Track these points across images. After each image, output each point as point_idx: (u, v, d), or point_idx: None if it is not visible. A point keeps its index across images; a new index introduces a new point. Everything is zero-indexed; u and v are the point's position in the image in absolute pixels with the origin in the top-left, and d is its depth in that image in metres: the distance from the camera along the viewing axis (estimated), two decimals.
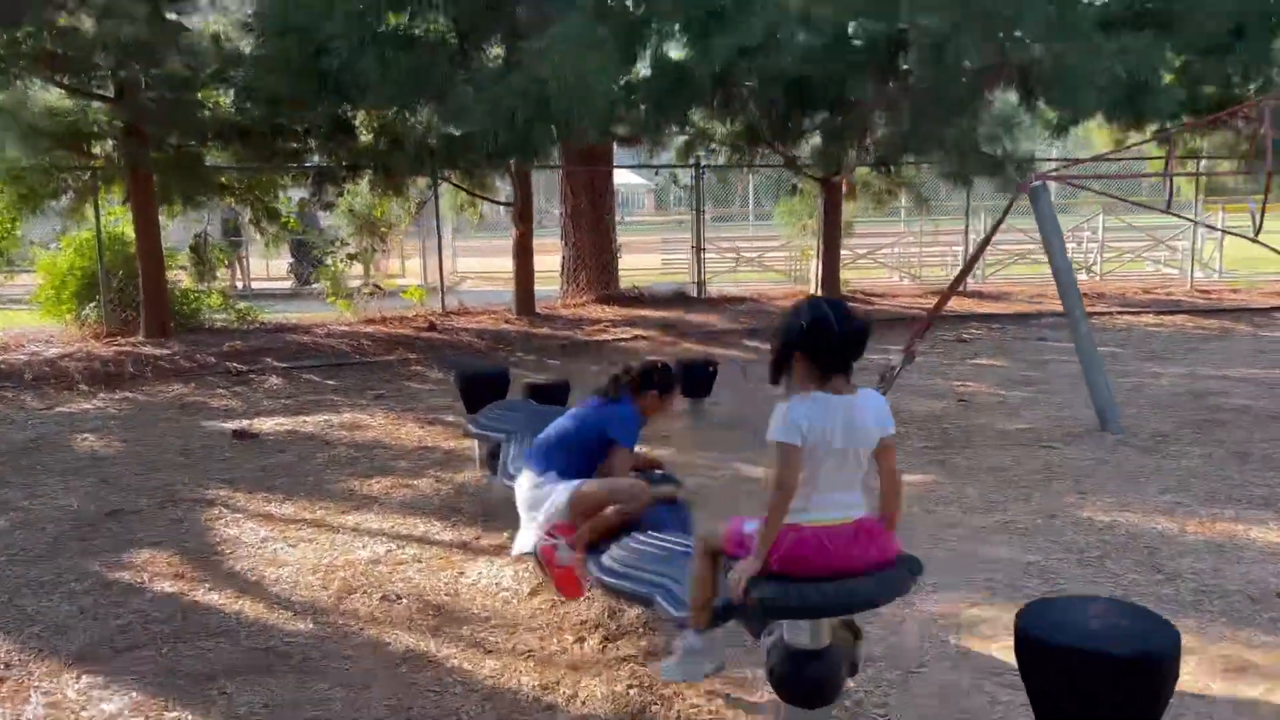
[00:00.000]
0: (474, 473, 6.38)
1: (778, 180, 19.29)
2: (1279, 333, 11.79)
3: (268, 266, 23.54)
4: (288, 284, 21.17)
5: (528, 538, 4.29)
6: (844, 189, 13.48)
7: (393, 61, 8.43)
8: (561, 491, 4.20)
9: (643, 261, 20.05)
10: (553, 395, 6.43)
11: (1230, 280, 16.63)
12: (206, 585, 4.63)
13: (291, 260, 19.54)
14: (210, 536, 5.32)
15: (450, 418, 8.02)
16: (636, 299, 13.60)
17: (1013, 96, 11.60)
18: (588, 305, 13.18)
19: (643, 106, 11.33)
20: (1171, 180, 7.29)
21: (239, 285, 18.53)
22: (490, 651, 3.93)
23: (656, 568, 3.27)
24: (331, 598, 4.47)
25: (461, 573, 4.76)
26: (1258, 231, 7.10)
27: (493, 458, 5.48)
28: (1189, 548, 4.60)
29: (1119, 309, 13.57)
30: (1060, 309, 13.38)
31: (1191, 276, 16.08)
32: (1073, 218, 20.24)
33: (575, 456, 4.32)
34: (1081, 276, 18.92)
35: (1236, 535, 4.78)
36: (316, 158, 11.61)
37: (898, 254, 20.38)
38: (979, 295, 14.79)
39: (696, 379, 7.65)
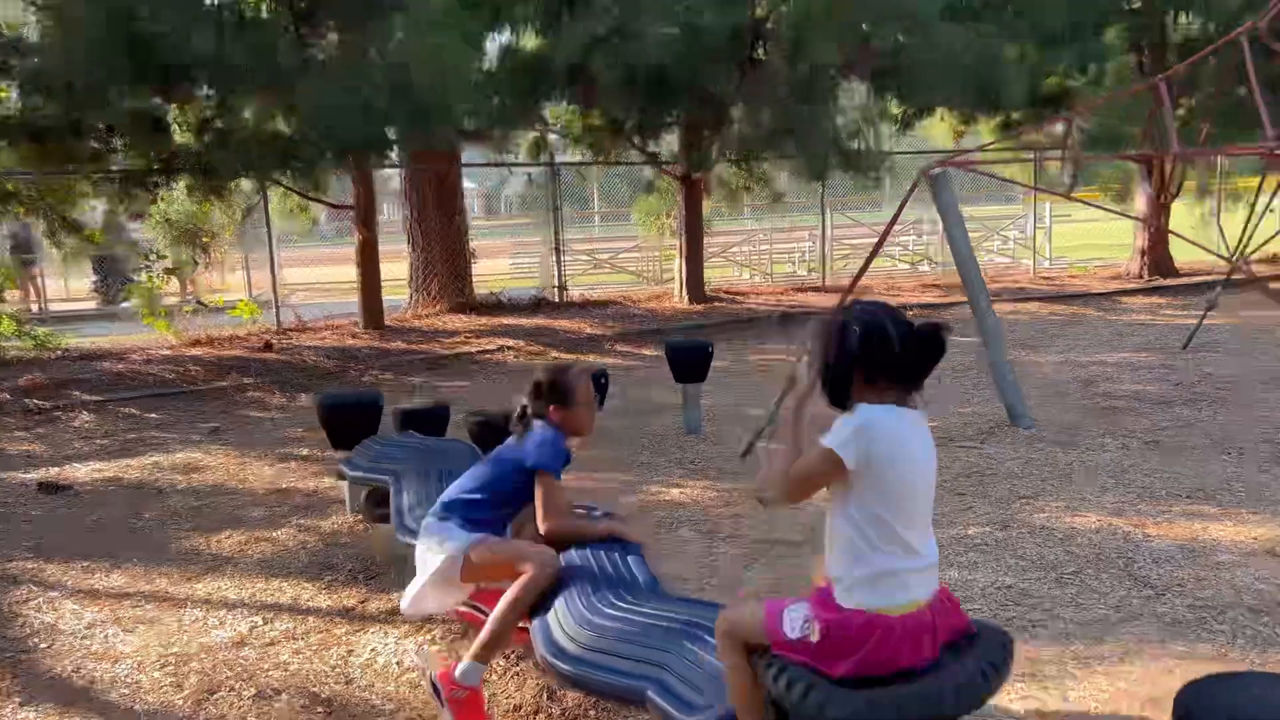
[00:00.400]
0: (344, 518, 5.48)
1: (628, 178, 18.79)
2: (1128, 316, 12.15)
3: (67, 285, 21.25)
4: (92, 304, 19.12)
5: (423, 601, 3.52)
6: (704, 186, 13.07)
7: (229, 43, 7.30)
8: (453, 546, 3.42)
9: (484, 267, 19.11)
10: (431, 423, 5.60)
11: (1063, 268, 17.25)
12: (16, 699, 3.59)
13: (95, 277, 17.58)
14: (17, 628, 4.23)
15: (305, 451, 7.02)
16: (494, 306, 12.75)
17: (865, 89, 11.48)
18: (442, 315, 12.23)
19: (495, 98, 10.55)
20: (1075, 164, 7.15)
21: (34, 308, 16.47)
22: None
23: (638, 649, 2.57)
24: (189, 700, 3.53)
25: (350, 650, 3.90)
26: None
27: (377, 505, 4.63)
28: (1161, 554, 4.27)
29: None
30: (921, 300, 13.57)
31: (1035, 264, 16.58)
32: (914, 211, 20.64)
33: (486, 506, 3.51)
34: (924, 268, 19.41)
35: (1197, 536, 4.50)
36: (124, 159, 10.21)
37: (748, 252, 20.31)
38: (837, 290, 14.70)
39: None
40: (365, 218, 11.17)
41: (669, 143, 13.10)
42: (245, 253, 14.42)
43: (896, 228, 19.87)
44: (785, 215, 19.84)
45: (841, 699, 1.93)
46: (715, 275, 16.92)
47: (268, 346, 10.44)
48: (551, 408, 3.49)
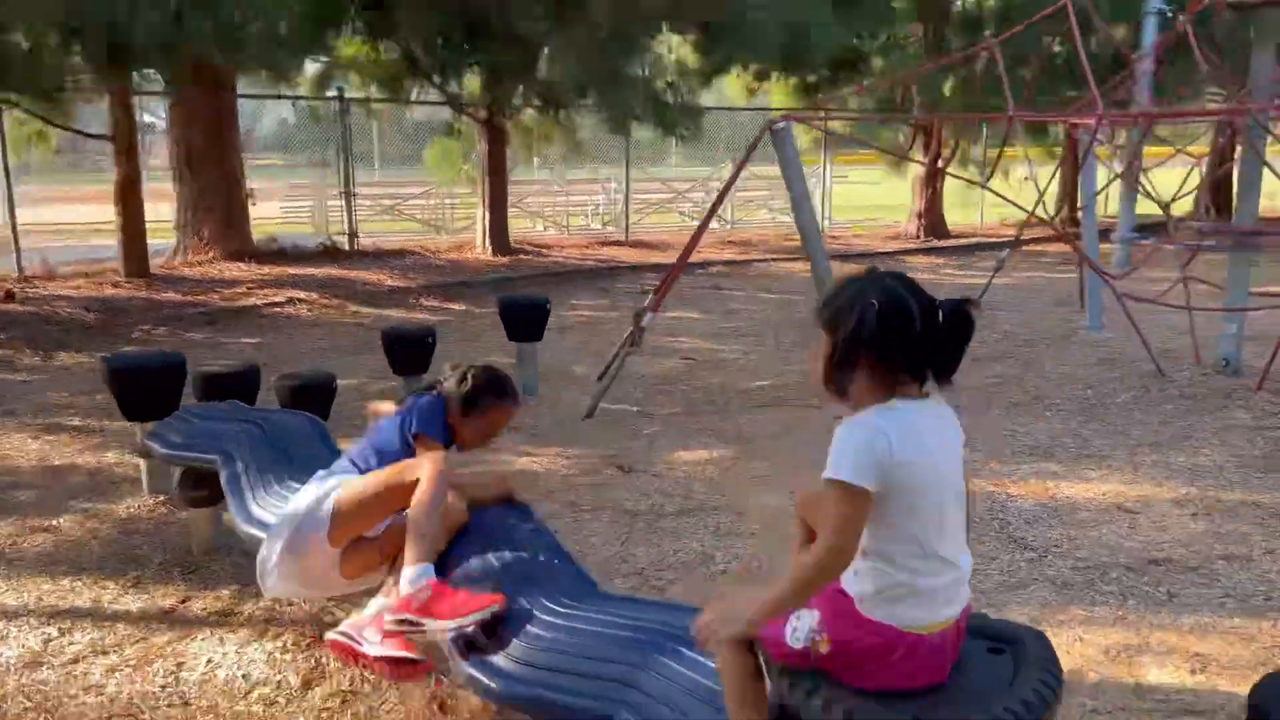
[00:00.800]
0: (142, 500, 4.71)
1: (413, 122, 17.75)
2: (915, 275, 12.69)
3: None
4: None
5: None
6: (507, 132, 12.49)
7: None
8: (307, 495, 2.99)
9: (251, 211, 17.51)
10: (240, 388, 4.90)
11: (845, 228, 17.98)
12: None
13: None
14: None
15: (77, 420, 6.04)
16: (276, 254, 11.65)
17: (676, 43, 11.32)
18: (217, 263, 11.03)
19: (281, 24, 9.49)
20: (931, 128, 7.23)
21: None
22: None
23: (597, 664, 2.21)
24: None
25: (180, 664, 3.28)
26: (989, 178, 7.26)
27: (194, 486, 3.96)
28: (1029, 515, 4.36)
29: (772, 256, 14.02)
30: (722, 257, 13.67)
31: (822, 223, 17.12)
32: (707, 168, 20.88)
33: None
34: (714, 225, 19.70)
35: (1053, 494, 4.64)
36: None
37: (542, 203, 19.81)
38: (641, 244, 14.60)
39: (411, 352, 6.38)
40: (127, 150, 9.83)
41: (470, 84, 12.40)
42: None
43: (686, 185, 19.90)
44: (581, 167, 19.51)
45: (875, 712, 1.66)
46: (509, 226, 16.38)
47: (9, 296, 9.01)
48: (461, 408, 3.08)
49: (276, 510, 3.21)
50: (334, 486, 2.98)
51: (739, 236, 16.20)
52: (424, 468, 2.84)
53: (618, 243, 14.48)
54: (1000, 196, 7.18)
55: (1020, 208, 7.34)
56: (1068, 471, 4.95)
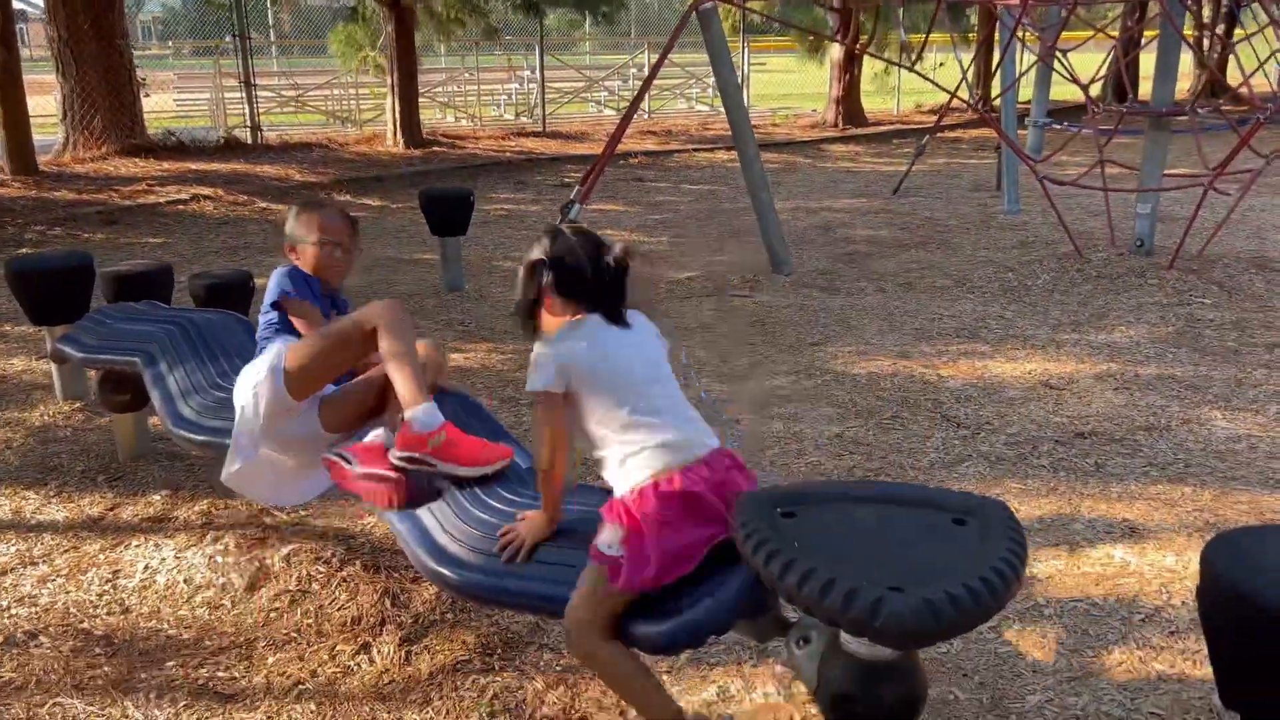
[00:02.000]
0: (56, 407, 4.50)
1: (311, 7, 16.80)
2: (834, 164, 12.77)
3: None
4: None
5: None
6: (415, 16, 11.91)
7: None
8: (258, 366, 2.76)
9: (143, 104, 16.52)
10: (152, 288, 4.67)
11: (764, 116, 17.82)
12: None
13: None
14: None
15: None
16: (175, 149, 11.04)
17: None
18: (110, 159, 10.41)
19: None
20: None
21: None
22: (233, 698, 2.59)
23: (550, 550, 2.19)
24: None
25: (116, 571, 3.19)
26: (915, 62, 7.19)
27: (114, 390, 3.79)
28: (960, 394, 4.47)
29: (692, 146, 13.85)
30: (643, 148, 13.41)
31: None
32: (621, 55, 20.35)
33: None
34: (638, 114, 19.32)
35: (981, 374, 4.75)
36: None
37: (451, 93, 19.11)
38: (557, 135, 14.25)
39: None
40: (3, 37, 9.09)
41: None
42: None
43: (601, 71, 19.48)
44: (492, 54, 18.83)
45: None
46: (426, 118, 15.81)
47: None
48: (286, 246, 3.00)
49: (212, 412, 3.09)
50: (278, 354, 2.73)
51: (658, 126, 15.94)
52: (377, 312, 2.64)
53: (534, 134, 14.11)
54: (927, 79, 7.15)
55: (946, 90, 7.33)
56: (994, 351, 5.08)
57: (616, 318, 2.17)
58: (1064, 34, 8.84)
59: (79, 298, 4.35)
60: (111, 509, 3.58)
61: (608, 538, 2.04)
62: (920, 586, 1.59)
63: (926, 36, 7.94)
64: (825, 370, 4.81)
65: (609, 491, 2.18)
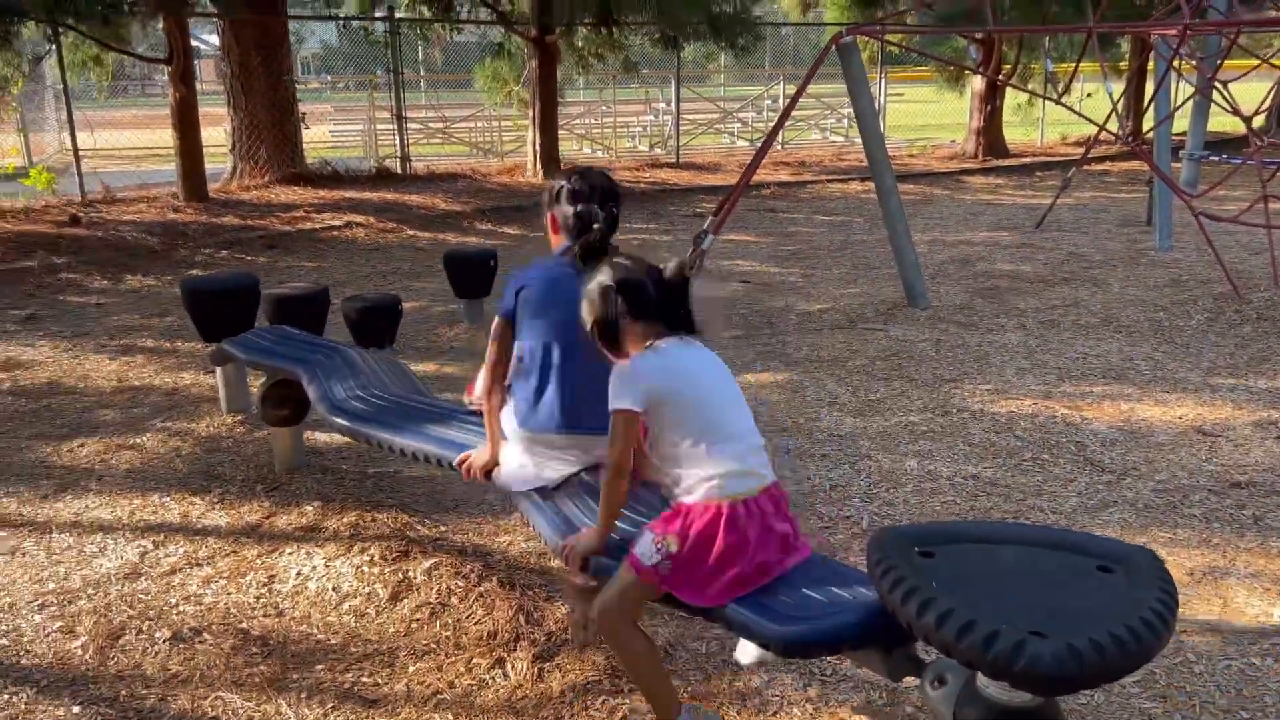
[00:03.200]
0: (220, 419, 4.82)
1: (459, 44, 17.51)
2: (973, 196, 12.47)
3: None
4: None
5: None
6: (556, 50, 12.28)
7: None
8: None
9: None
10: (309, 309, 4.98)
11: (900, 147, 17.56)
12: None
13: None
14: None
15: (150, 342, 6.17)
16: (330, 178, 11.68)
17: None
18: (272, 187, 11.09)
19: None
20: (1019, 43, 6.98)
21: None
22: (376, 703, 2.72)
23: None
24: (89, 649, 2.96)
25: (272, 576, 3.39)
26: (1062, 94, 7.02)
27: (276, 405, 4.04)
28: (1105, 437, 4.31)
29: (826, 177, 13.77)
30: (776, 178, 13.42)
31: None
32: (755, 87, 20.44)
33: None
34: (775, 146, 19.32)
35: (1128, 417, 4.57)
36: None
37: (588, 125, 19.57)
38: (691, 166, 14.39)
39: (473, 275, 6.41)
40: (183, 73, 9.83)
41: (519, 1, 12.18)
42: (25, 112, 12.55)
43: (734, 103, 19.53)
44: (629, 87, 19.20)
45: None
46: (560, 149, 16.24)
47: (74, 221, 9.15)
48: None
49: (363, 401, 3.31)
50: None
51: (792, 157, 15.91)
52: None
53: (668, 165, 14.29)
54: (1074, 111, 6.93)
55: (1094, 123, 7.10)
56: (1143, 394, 4.87)
57: (689, 329, 2.31)
58: (1225, 63, 8.45)
59: (245, 316, 4.67)
60: (268, 517, 3.81)
61: (648, 549, 2.18)
62: (1064, 632, 1.56)
63: (1076, 67, 7.70)
64: (961, 408, 4.71)
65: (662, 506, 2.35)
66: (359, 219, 9.87)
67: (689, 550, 2.14)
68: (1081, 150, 12.80)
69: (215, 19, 11.00)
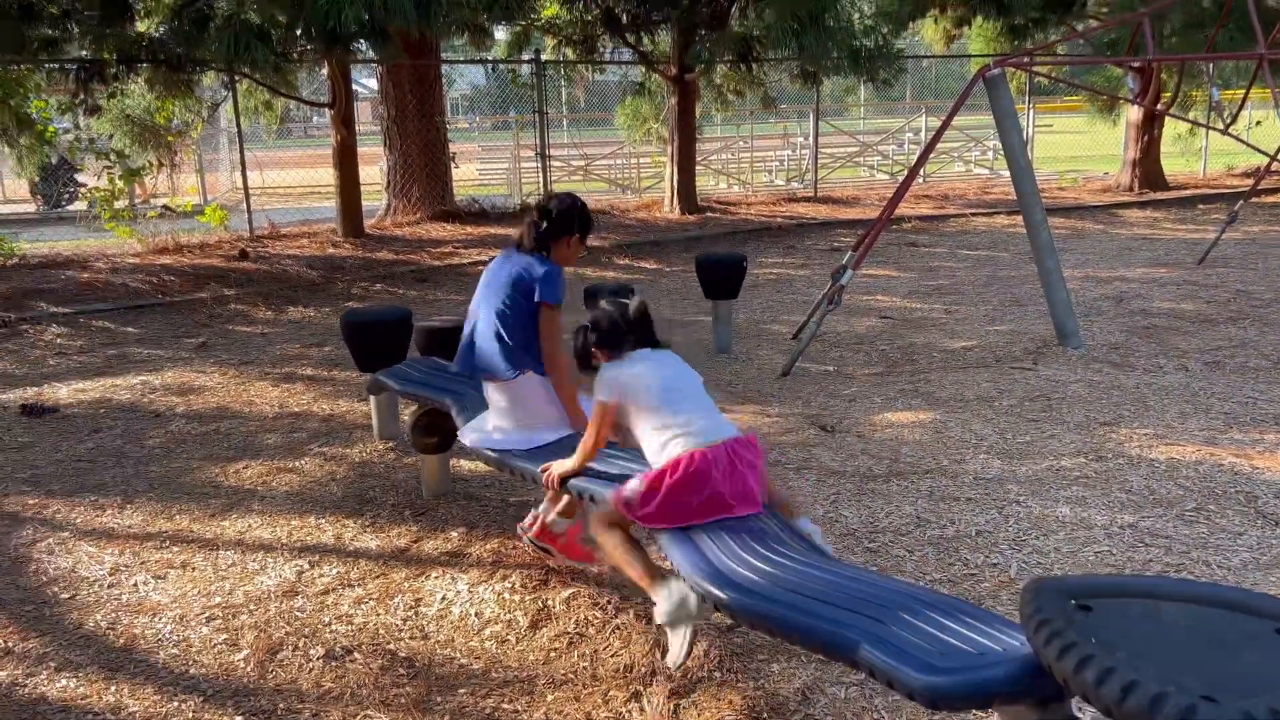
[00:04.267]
0: (373, 445, 5.04)
1: (597, 83, 17.92)
2: (1129, 230, 11.92)
3: (3, 187, 20.07)
4: (30, 207, 18.01)
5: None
6: (697, 89, 12.43)
7: None
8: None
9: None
10: (457, 339, 5.13)
11: (1049, 179, 16.96)
12: (51, 663, 3.15)
13: (36, 179, 16.46)
14: (30, 574, 3.77)
15: (309, 370, 6.51)
16: (478, 215, 12.11)
17: None
18: (424, 223, 11.58)
19: None
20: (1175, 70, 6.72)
21: None
22: None
23: (838, 610, 2.19)
24: (250, 662, 3.13)
25: (419, 599, 3.51)
26: (1229, 125, 6.68)
27: (425, 433, 4.20)
28: (1279, 488, 4.03)
29: (970, 211, 13.42)
30: (917, 212, 13.17)
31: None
32: (896, 119, 20.14)
33: (519, 338, 3.58)
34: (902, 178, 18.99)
35: None
36: (76, 48, 9.33)
37: (724, 160, 19.70)
38: (828, 200, 14.27)
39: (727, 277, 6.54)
40: (344, 116, 10.41)
41: (660, 42, 12.41)
42: (203, 153, 13.52)
43: (874, 136, 19.19)
44: (765, 121, 19.26)
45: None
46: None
47: (243, 255, 9.77)
48: (572, 238, 3.59)
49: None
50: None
51: (934, 190, 15.58)
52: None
53: (805, 199, 14.21)
54: (1241, 141, 6.56)
55: (1264, 153, 6.70)
56: None
57: (652, 344, 2.99)
58: None
59: (398, 347, 4.88)
60: (415, 541, 3.96)
61: (630, 488, 2.78)
62: (1238, 697, 1.47)
63: (1246, 95, 7.29)
64: (1118, 453, 4.49)
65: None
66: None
67: (647, 487, 2.73)
68: (1250, 182, 12.12)
69: (374, 64, 11.60)
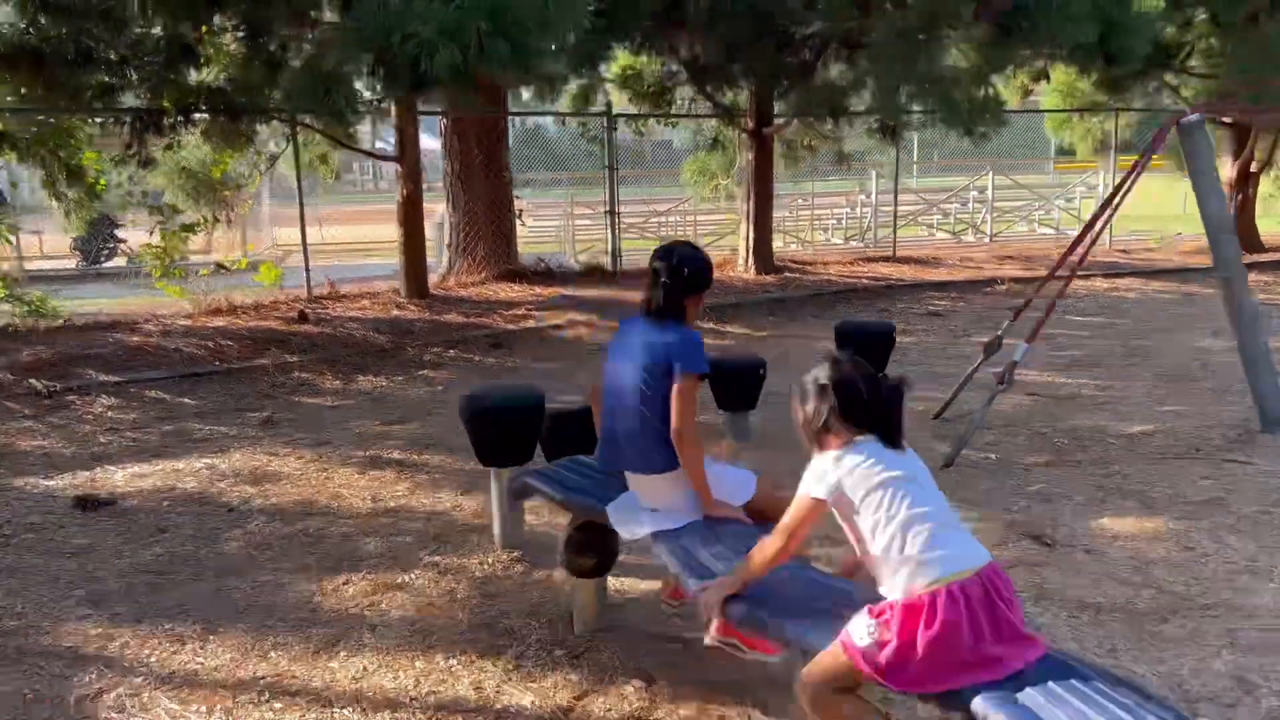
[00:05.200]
0: (495, 555, 4.20)
1: (659, 140, 17.37)
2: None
3: (41, 242, 19.60)
4: (72, 263, 17.53)
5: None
6: (771, 143, 11.74)
7: None
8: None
9: None
10: (587, 426, 4.33)
11: (1131, 240, 16.17)
12: None
13: (78, 234, 15.96)
14: None
15: (396, 453, 5.71)
16: (545, 274, 11.38)
17: (986, 31, 10.17)
18: (490, 283, 10.85)
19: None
20: None
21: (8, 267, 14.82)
22: None
23: None
24: None
25: None
26: None
27: (580, 551, 3.37)
28: None
29: (1063, 273, 12.56)
30: (1007, 274, 12.39)
31: (1111, 236, 15.46)
32: (961, 177, 19.49)
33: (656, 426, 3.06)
34: (969, 238, 18.24)
35: None
36: (133, 97, 8.73)
37: (781, 218, 19.01)
38: (908, 260, 13.49)
39: (741, 386, 5.71)
40: (411, 170, 9.76)
41: (736, 94, 11.75)
42: (260, 208, 12.91)
43: (933, 193, 18.44)
44: (825, 179, 18.63)
45: None
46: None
47: (302, 317, 9.04)
48: (698, 297, 3.18)
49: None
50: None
51: (1012, 250, 14.81)
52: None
53: (884, 258, 13.43)
54: None
55: None
56: None
57: (894, 442, 2.35)
58: None
59: (529, 437, 4.08)
60: (579, 698, 3.10)
61: (861, 630, 2.22)
62: None
63: None
64: None
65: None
66: (579, 316, 9.43)
67: (898, 640, 2.17)
68: None
69: (439, 115, 10.96)
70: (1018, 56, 11.24)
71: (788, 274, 11.91)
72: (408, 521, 4.64)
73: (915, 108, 10.31)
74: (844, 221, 19.04)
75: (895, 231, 14.08)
